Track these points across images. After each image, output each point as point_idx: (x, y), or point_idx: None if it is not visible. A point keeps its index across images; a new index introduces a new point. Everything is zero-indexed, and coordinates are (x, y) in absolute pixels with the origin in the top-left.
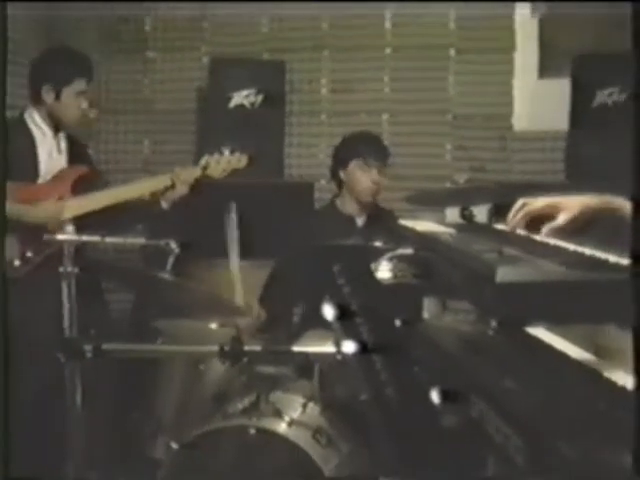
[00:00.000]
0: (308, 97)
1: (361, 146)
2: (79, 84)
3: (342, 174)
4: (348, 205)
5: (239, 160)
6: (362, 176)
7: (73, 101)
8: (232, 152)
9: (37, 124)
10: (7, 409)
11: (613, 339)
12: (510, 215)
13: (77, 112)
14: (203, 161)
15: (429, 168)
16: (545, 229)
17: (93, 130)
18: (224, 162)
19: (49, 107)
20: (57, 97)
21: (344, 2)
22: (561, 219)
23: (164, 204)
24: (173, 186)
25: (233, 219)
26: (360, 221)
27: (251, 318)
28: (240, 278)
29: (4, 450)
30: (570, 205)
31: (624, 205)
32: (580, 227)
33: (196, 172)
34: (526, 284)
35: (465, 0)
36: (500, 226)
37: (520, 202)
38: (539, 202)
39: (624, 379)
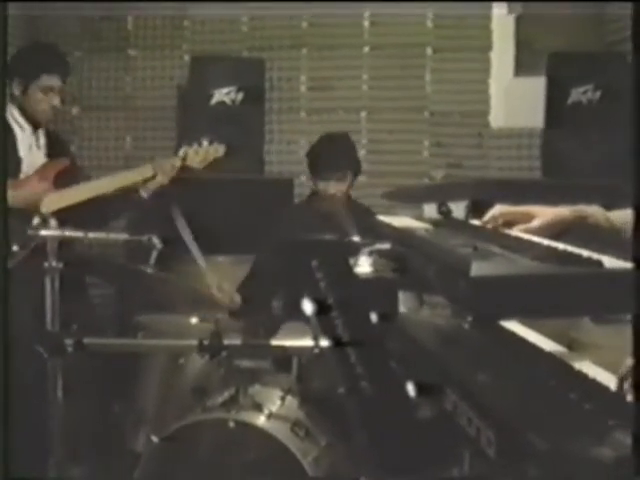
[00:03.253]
0: (288, 94)
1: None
2: (47, 79)
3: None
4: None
5: (217, 150)
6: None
7: (41, 96)
8: (210, 142)
9: (16, 119)
10: (7, 409)
11: (587, 332)
12: (486, 218)
13: (46, 107)
14: (181, 152)
15: (407, 165)
16: (517, 229)
17: (75, 127)
18: (202, 152)
19: (19, 102)
20: (24, 92)
21: (323, 1)
22: (535, 223)
23: (144, 194)
24: (154, 176)
25: (182, 221)
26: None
27: (226, 302)
28: (209, 271)
29: (4, 450)
30: (544, 213)
31: (596, 213)
32: (554, 234)
33: (175, 162)
34: (500, 278)
35: (442, 0)
36: (476, 222)
37: (497, 208)
38: (515, 208)
39: (595, 372)
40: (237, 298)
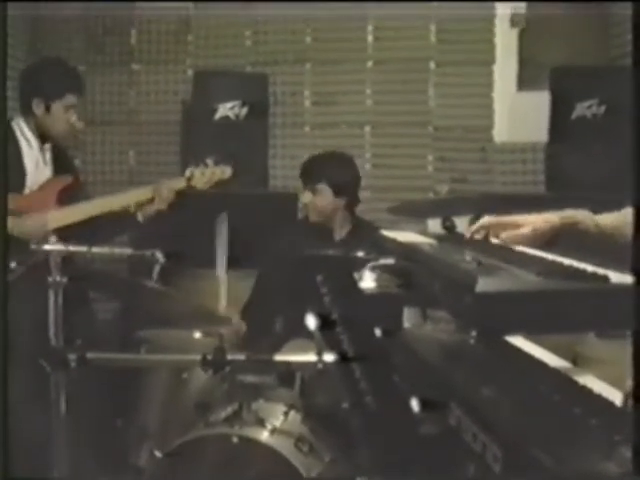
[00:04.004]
0: (291, 109)
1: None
2: (69, 98)
3: None
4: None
5: (223, 171)
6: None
7: (62, 115)
8: (216, 163)
9: (25, 135)
10: (7, 409)
11: (592, 347)
12: (474, 228)
13: (66, 125)
14: (188, 172)
15: (411, 179)
16: (504, 235)
17: (79, 142)
18: (208, 173)
19: (38, 119)
20: (47, 110)
21: (327, 13)
22: (523, 230)
23: (140, 217)
24: (152, 200)
25: (224, 229)
26: (339, 235)
27: (231, 331)
28: (226, 287)
29: (4, 450)
30: (532, 221)
31: (586, 219)
32: (543, 241)
33: (180, 183)
34: (505, 294)
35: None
36: (465, 232)
37: (485, 218)
38: (502, 218)
39: (600, 387)
40: (243, 326)
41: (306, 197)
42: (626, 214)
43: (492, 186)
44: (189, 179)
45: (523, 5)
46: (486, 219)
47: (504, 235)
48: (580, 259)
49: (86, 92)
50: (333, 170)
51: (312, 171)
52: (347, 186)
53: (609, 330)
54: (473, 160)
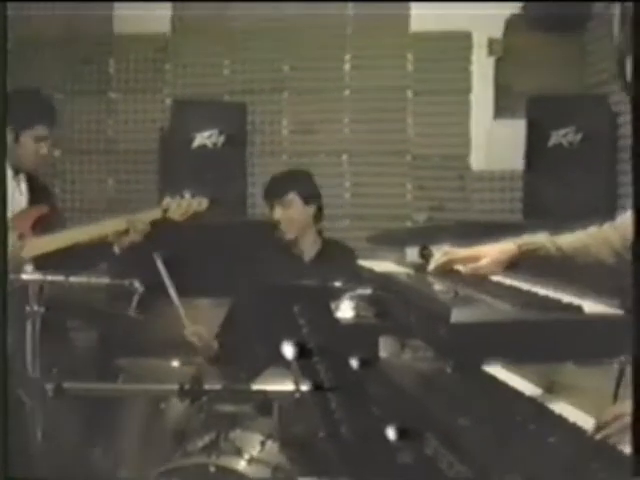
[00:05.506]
0: (269, 138)
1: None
2: (40, 130)
3: None
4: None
5: (200, 203)
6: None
7: (32, 145)
8: (193, 195)
9: None
10: (7, 410)
11: (568, 374)
12: (431, 262)
13: (34, 156)
14: (164, 203)
15: (389, 208)
16: (467, 269)
17: (57, 170)
18: (185, 205)
19: (9, 149)
20: (16, 140)
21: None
22: (483, 262)
23: (116, 249)
24: (126, 231)
25: (163, 267)
26: (308, 255)
27: (203, 349)
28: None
29: (4, 450)
30: (490, 252)
31: (546, 242)
32: (503, 270)
33: (156, 214)
34: (480, 325)
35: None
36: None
37: (442, 251)
38: (461, 251)
39: (576, 415)
40: (214, 344)
41: (277, 212)
42: (588, 234)
43: (470, 214)
44: (165, 210)
45: (500, 31)
46: (441, 257)
47: (466, 270)
48: (542, 283)
49: (64, 120)
50: (298, 180)
51: (278, 185)
52: (314, 193)
53: (584, 360)
54: (451, 188)
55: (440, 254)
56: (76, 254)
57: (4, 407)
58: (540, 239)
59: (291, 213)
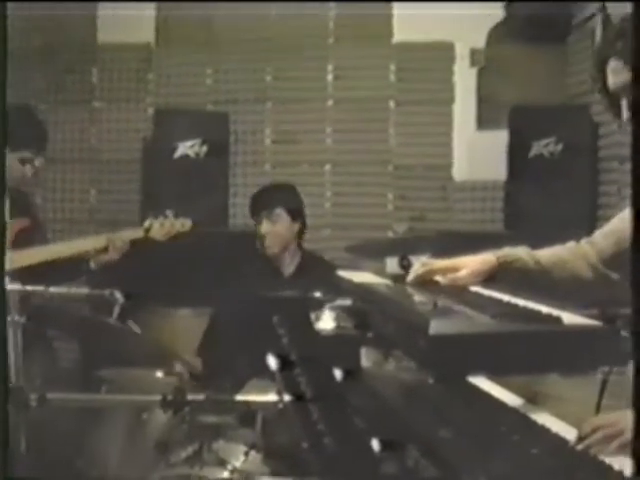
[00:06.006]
0: (252, 148)
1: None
2: (27, 153)
3: None
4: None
5: (183, 224)
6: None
7: (17, 166)
8: (176, 215)
9: None
10: (6, 410)
11: (552, 385)
12: (410, 273)
13: (19, 176)
14: (147, 223)
15: (371, 218)
16: (446, 279)
17: (40, 179)
18: (168, 225)
19: None
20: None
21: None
22: (462, 273)
23: (93, 265)
24: (106, 249)
25: None
26: (288, 269)
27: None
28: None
29: (3, 450)
30: (469, 263)
31: (524, 256)
32: (482, 281)
33: (138, 233)
34: (459, 336)
35: None
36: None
37: (421, 262)
38: (440, 262)
39: (558, 426)
40: (197, 363)
41: (265, 227)
42: (566, 248)
43: (451, 224)
44: (147, 230)
45: (482, 42)
46: (420, 267)
47: (445, 281)
48: (519, 295)
49: (47, 130)
50: (286, 195)
51: (267, 199)
52: (300, 210)
53: (566, 371)
54: (433, 198)
55: (419, 265)
56: (55, 268)
57: (4, 407)
58: (519, 252)
59: (278, 228)
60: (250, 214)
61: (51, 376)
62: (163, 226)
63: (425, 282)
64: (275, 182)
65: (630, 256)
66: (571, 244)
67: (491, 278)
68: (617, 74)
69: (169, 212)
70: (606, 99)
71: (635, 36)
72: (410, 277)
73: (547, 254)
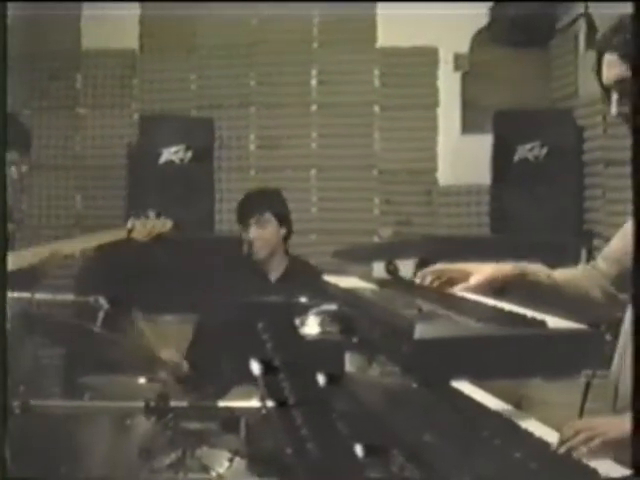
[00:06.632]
0: (237, 153)
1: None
2: (11, 154)
3: None
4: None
5: (164, 224)
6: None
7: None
8: (158, 216)
9: None
10: (5, 411)
11: (536, 389)
12: (421, 273)
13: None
14: (129, 224)
15: (357, 222)
16: (457, 288)
17: (25, 185)
18: (149, 226)
19: None
20: None
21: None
22: (472, 280)
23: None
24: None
25: None
26: (275, 274)
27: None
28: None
29: (2, 450)
30: (482, 270)
31: (538, 271)
32: (493, 291)
33: (121, 234)
34: (444, 341)
35: None
36: (412, 277)
37: (437, 265)
38: (453, 266)
39: (542, 430)
40: (184, 365)
41: (253, 232)
42: (577, 269)
43: (437, 228)
44: (130, 231)
45: (466, 46)
46: (438, 266)
47: (456, 289)
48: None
49: (32, 136)
50: (274, 200)
51: (255, 204)
52: (287, 215)
53: (550, 375)
54: (418, 203)
55: (434, 267)
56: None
57: (3, 408)
58: (534, 266)
59: (266, 233)
60: (238, 219)
61: (35, 383)
62: (145, 226)
63: (439, 282)
64: (261, 187)
65: (632, 266)
66: (581, 266)
67: (502, 290)
68: (611, 68)
69: (151, 212)
70: (603, 93)
71: (635, 36)
72: (424, 271)
73: (560, 272)
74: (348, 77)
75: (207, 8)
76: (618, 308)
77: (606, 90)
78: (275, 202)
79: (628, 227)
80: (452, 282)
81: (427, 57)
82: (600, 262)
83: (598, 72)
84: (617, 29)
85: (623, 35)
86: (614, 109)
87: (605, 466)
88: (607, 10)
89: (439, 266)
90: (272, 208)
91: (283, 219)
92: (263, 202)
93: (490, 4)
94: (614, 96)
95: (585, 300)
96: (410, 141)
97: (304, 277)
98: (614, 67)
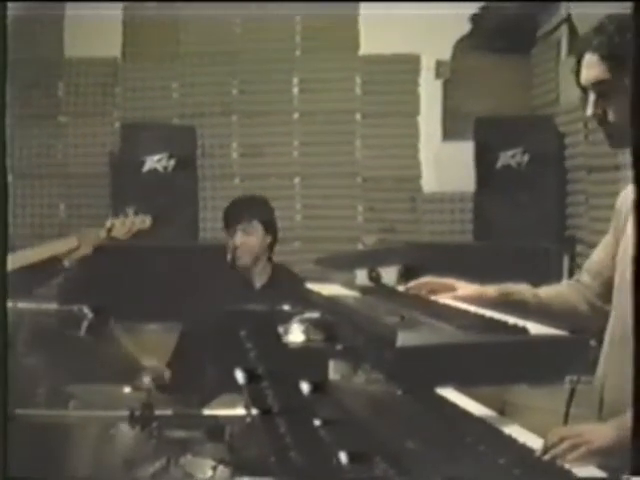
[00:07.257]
0: (220, 161)
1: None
2: None
3: None
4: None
5: (143, 221)
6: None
7: None
8: (136, 213)
9: None
10: (6, 409)
11: (520, 395)
12: (411, 284)
13: None
14: (108, 223)
15: (341, 230)
16: (444, 297)
17: (7, 194)
18: (128, 223)
19: None
20: None
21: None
22: (460, 292)
23: (66, 263)
24: (78, 247)
25: None
26: (259, 282)
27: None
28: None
29: (3, 450)
30: (468, 286)
31: (521, 289)
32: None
33: (101, 234)
34: (425, 348)
35: None
36: (401, 288)
37: (425, 278)
38: (440, 280)
39: (525, 436)
40: (167, 374)
41: (238, 238)
42: (563, 285)
43: (421, 235)
44: (109, 230)
45: (448, 54)
46: (425, 279)
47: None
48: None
49: (13, 145)
50: (260, 207)
51: (243, 211)
52: (273, 222)
53: (534, 381)
54: (402, 210)
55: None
56: (23, 275)
57: (4, 408)
58: (519, 287)
59: (252, 240)
60: (224, 225)
61: (18, 392)
62: (124, 224)
63: (426, 291)
64: (247, 195)
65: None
66: (565, 281)
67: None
68: (590, 68)
69: (129, 210)
70: (581, 94)
71: (635, 36)
72: (411, 284)
73: (546, 289)
74: (330, 85)
75: (190, 8)
76: (606, 320)
77: (584, 90)
78: (263, 210)
79: (608, 239)
80: (437, 293)
81: (409, 64)
82: (584, 276)
83: (577, 73)
84: (598, 30)
85: (604, 36)
86: (590, 110)
87: (587, 471)
88: (591, 10)
89: (425, 279)
90: (260, 216)
91: (269, 227)
92: (251, 209)
93: (472, 12)
94: (591, 97)
95: (573, 315)
96: (392, 148)
97: (287, 284)
98: (593, 68)
